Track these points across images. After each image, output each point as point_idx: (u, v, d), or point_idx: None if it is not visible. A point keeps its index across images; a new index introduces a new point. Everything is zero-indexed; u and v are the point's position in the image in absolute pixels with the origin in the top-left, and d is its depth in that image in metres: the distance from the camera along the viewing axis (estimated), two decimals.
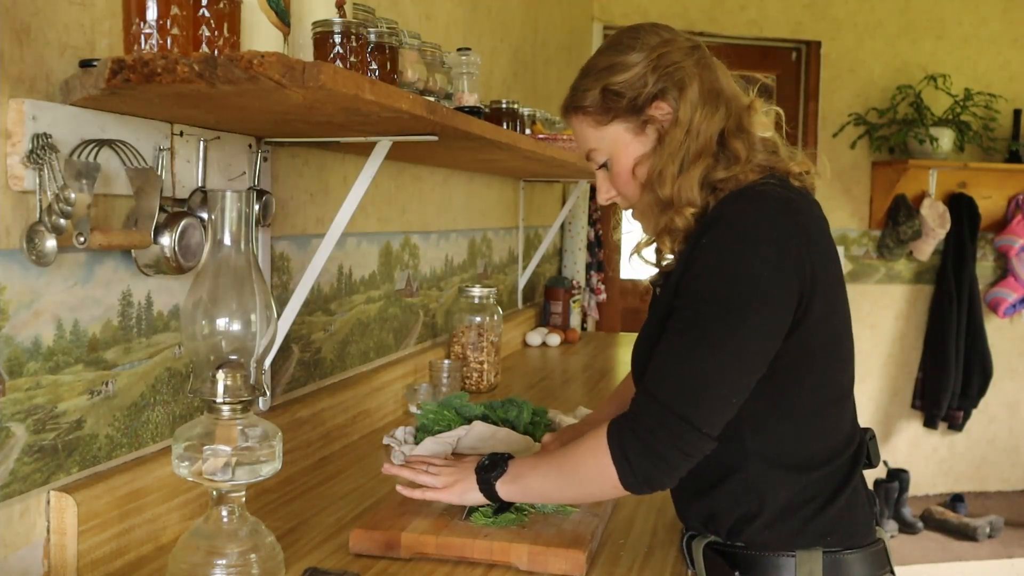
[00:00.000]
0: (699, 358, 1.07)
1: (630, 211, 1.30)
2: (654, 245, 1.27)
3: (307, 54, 1.19)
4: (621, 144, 1.23)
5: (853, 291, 2.04)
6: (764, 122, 1.22)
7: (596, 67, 1.23)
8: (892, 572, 1.21)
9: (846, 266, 4.85)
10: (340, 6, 1.23)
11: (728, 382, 1.08)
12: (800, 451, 1.16)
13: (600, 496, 1.20)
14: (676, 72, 1.18)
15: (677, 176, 1.16)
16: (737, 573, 1.18)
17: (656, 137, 1.20)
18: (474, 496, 1.26)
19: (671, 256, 1.22)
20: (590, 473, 1.13)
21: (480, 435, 1.68)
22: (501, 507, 1.28)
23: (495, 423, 1.77)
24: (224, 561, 1.01)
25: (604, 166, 1.27)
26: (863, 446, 1.23)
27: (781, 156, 1.21)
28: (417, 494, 1.28)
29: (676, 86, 1.18)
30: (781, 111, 1.26)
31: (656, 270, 1.28)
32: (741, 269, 1.07)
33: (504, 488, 1.23)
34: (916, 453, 5.09)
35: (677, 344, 1.09)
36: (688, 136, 1.17)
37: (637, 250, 1.30)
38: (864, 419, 1.71)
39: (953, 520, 4.61)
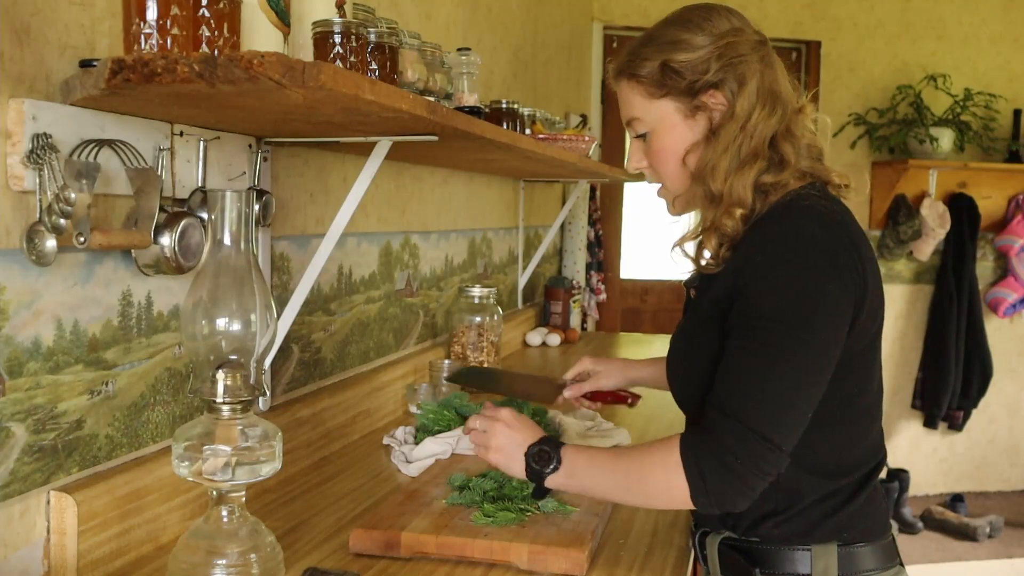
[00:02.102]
0: (777, 377, 1.06)
1: (656, 186, 1.29)
2: (692, 241, 1.24)
3: (307, 54, 1.19)
4: (668, 123, 1.20)
5: None
6: (811, 127, 1.21)
7: (661, 38, 1.19)
8: (902, 565, 1.21)
9: None
10: (340, 6, 1.23)
11: (805, 398, 1.08)
12: (834, 458, 1.16)
13: (662, 506, 1.18)
14: (740, 65, 1.16)
15: (731, 173, 1.15)
16: (757, 570, 1.17)
17: (706, 126, 1.18)
18: (516, 472, 1.22)
19: (709, 257, 1.18)
20: (659, 486, 1.11)
21: None
22: (540, 492, 1.24)
23: None
24: (224, 561, 1.01)
25: (642, 136, 1.24)
26: (885, 451, 1.24)
27: (824, 164, 1.20)
28: (474, 437, 1.26)
29: (737, 79, 1.16)
30: (828, 119, 1.25)
31: (689, 270, 1.25)
32: (805, 285, 1.07)
33: (555, 481, 1.19)
34: (916, 453, 5.09)
35: (751, 363, 1.07)
36: (743, 133, 1.15)
37: (681, 242, 1.24)
38: None
39: (953, 520, 4.61)
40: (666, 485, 1.09)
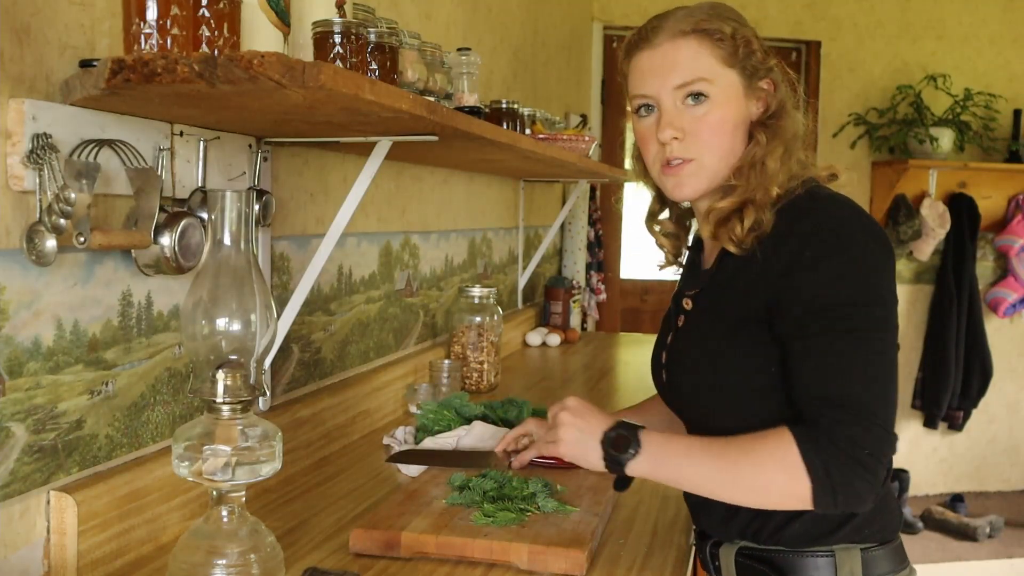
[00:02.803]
0: (875, 360, 1.05)
1: (676, 162, 1.19)
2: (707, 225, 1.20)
3: (307, 54, 1.19)
4: (733, 94, 1.18)
5: None
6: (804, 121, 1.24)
7: (734, 14, 1.20)
8: (911, 566, 1.21)
9: None
10: (340, 6, 1.23)
11: (895, 379, 1.07)
12: None
13: (771, 506, 1.10)
14: (774, 62, 1.20)
15: (782, 157, 1.16)
16: None
17: (759, 109, 1.19)
18: (593, 464, 1.15)
19: (739, 234, 1.13)
20: (777, 486, 1.05)
21: (480, 435, 1.68)
22: (622, 483, 1.20)
23: (495, 423, 1.77)
24: (224, 561, 1.01)
25: (696, 97, 1.16)
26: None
27: (803, 155, 1.21)
28: (530, 454, 1.20)
29: (782, 74, 1.20)
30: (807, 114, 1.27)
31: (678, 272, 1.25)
32: (864, 265, 1.08)
33: (637, 468, 1.12)
34: (916, 453, 5.09)
35: (845, 350, 1.05)
36: (792, 122, 1.18)
37: (720, 213, 1.16)
38: None
39: (953, 520, 4.61)
40: (786, 485, 1.03)
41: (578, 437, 1.16)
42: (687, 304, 1.24)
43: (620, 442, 1.12)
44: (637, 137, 1.25)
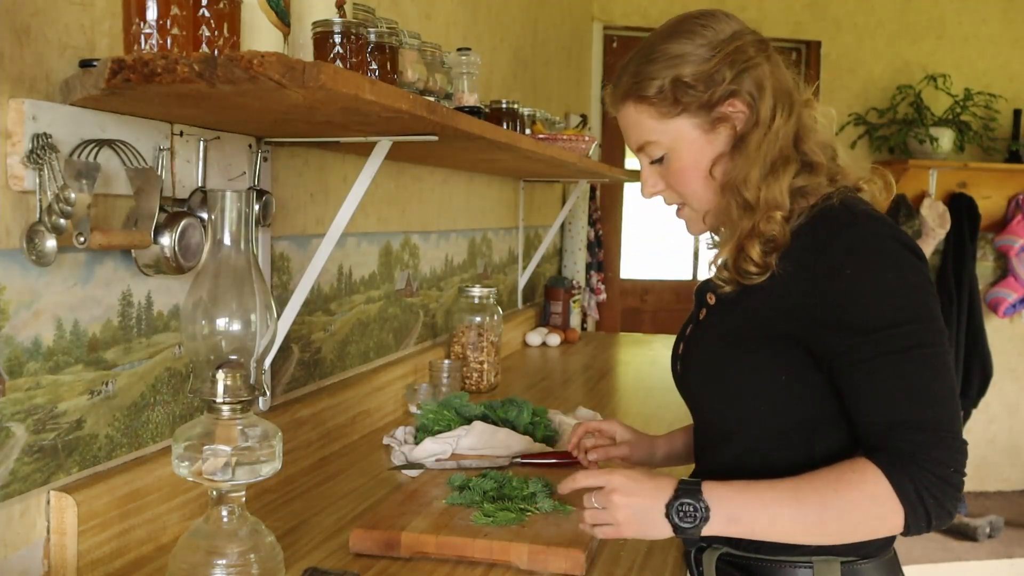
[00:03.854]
0: (941, 375, 1.04)
1: (673, 207, 1.23)
2: (722, 255, 1.18)
3: (307, 54, 1.19)
4: (687, 141, 1.14)
5: None
6: (823, 122, 1.19)
7: (665, 54, 1.13)
8: None
9: None
10: (340, 6, 1.23)
11: (957, 387, 1.07)
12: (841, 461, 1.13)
13: (866, 538, 1.09)
14: (753, 69, 1.12)
15: (763, 179, 1.11)
16: None
17: (729, 136, 1.13)
18: (663, 534, 1.08)
19: (754, 265, 1.11)
20: (870, 520, 1.03)
21: (480, 435, 1.68)
22: (695, 544, 1.20)
23: (495, 423, 1.77)
24: (224, 561, 1.01)
25: (659, 160, 1.18)
26: None
27: (840, 165, 1.17)
28: (598, 533, 1.13)
29: (755, 84, 1.12)
30: (834, 112, 1.21)
31: (720, 277, 1.18)
32: (909, 280, 1.05)
33: (713, 530, 1.06)
34: None
35: (909, 369, 1.03)
36: (768, 138, 1.11)
37: (719, 257, 1.17)
38: None
39: (953, 520, 4.60)
40: (880, 518, 1.02)
41: (639, 515, 1.08)
42: (711, 299, 1.23)
43: (686, 510, 1.06)
44: None
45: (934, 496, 1.01)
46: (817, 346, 1.08)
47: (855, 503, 1.03)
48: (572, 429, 1.49)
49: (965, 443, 1.04)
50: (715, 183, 1.15)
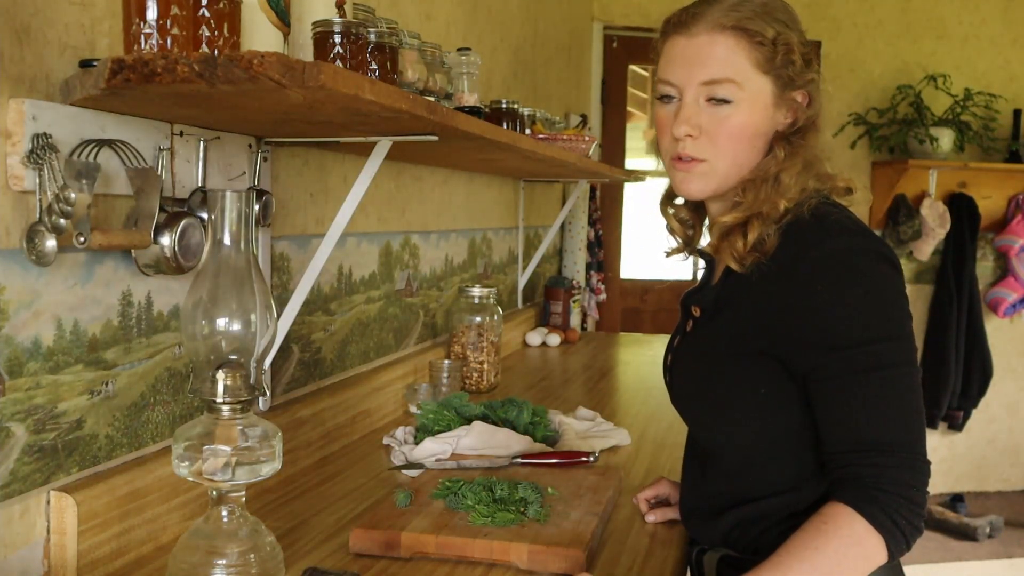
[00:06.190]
0: (908, 396, 1.05)
1: (687, 158, 1.16)
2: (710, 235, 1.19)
3: (307, 54, 1.19)
4: (760, 101, 1.13)
5: None
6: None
7: (787, 14, 1.14)
8: None
9: None
10: (340, 6, 1.23)
11: (923, 407, 1.07)
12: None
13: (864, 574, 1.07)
14: (817, 74, 1.15)
15: (796, 175, 1.12)
16: None
17: (786, 122, 1.15)
18: None
19: (741, 249, 1.12)
20: (858, 562, 1.02)
21: (480, 435, 1.68)
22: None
23: (495, 423, 1.77)
24: (224, 561, 1.01)
25: (717, 102, 1.13)
26: None
27: (828, 169, 1.18)
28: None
29: (816, 87, 1.15)
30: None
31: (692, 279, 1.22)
32: (884, 297, 1.06)
33: None
34: None
35: (879, 391, 1.04)
36: (817, 137, 1.15)
37: (726, 220, 1.15)
38: None
39: (953, 520, 4.61)
40: (865, 557, 1.02)
41: None
42: (695, 311, 1.24)
43: None
44: (656, 122, 1.22)
45: (904, 516, 1.02)
46: (791, 362, 1.09)
47: (840, 552, 1.02)
48: (639, 499, 1.46)
49: (928, 463, 1.05)
50: (755, 154, 1.15)
